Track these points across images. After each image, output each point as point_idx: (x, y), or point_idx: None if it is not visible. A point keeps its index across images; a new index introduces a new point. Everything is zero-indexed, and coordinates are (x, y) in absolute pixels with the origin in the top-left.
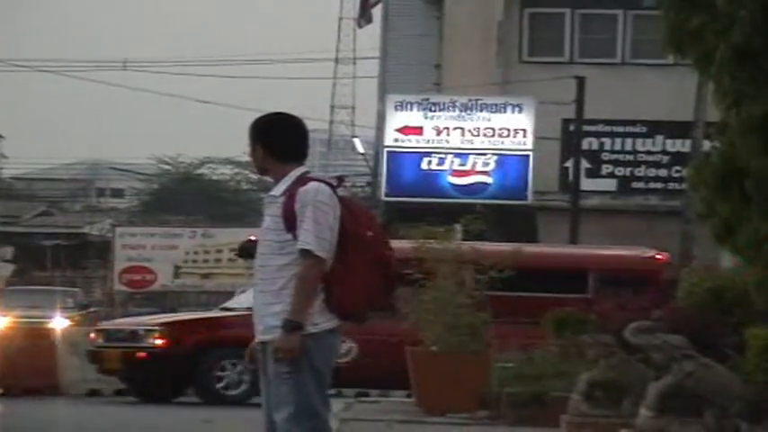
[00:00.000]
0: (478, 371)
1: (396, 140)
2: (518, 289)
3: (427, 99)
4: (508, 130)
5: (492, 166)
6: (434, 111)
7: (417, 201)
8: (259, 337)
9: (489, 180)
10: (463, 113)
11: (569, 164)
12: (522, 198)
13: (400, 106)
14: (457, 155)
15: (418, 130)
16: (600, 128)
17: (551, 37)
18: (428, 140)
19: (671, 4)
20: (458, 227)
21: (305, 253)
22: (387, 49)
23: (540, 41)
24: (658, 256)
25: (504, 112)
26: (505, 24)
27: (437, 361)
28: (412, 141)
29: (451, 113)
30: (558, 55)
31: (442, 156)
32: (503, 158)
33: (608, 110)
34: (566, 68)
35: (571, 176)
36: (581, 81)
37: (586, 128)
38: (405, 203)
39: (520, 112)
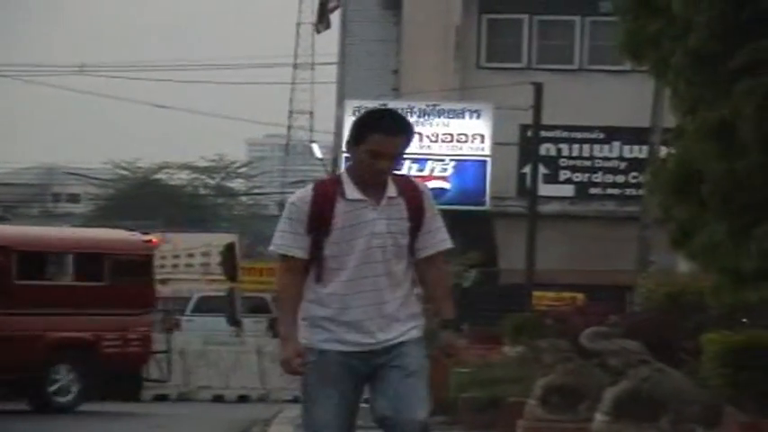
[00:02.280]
0: (435, 376)
1: None
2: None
3: (385, 104)
4: (466, 135)
5: (450, 171)
6: None
7: None
8: (390, 342)
9: (447, 185)
10: (421, 119)
11: (527, 169)
12: (479, 203)
13: (358, 111)
14: (415, 160)
15: None
16: (557, 134)
17: (509, 43)
18: None
19: (628, 11)
20: None
21: (442, 251)
22: (345, 55)
23: (498, 47)
24: (150, 239)
25: (462, 117)
26: (463, 30)
27: None
28: None
29: (409, 119)
30: (516, 61)
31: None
32: (461, 164)
33: (566, 116)
34: (523, 74)
35: (529, 182)
36: (539, 87)
37: (544, 134)
38: None
39: (478, 117)
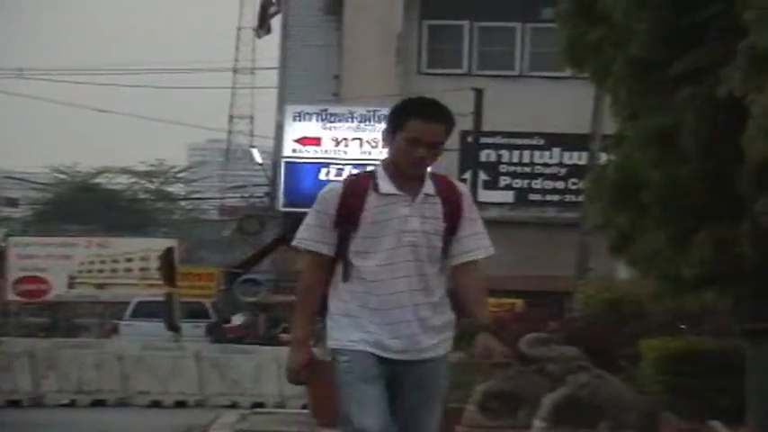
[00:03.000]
0: None
1: (294, 151)
2: None
3: (326, 110)
4: None
5: None
6: (333, 121)
7: None
8: (420, 356)
9: None
10: (362, 124)
11: (467, 175)
12: None
13: (299, 117)
14: (355, 166)
15: (317, 141)
16: (498, 140)
17: (450, 49)
18: (326, 151)
19: (568, 18)
20: None
21: (479, 260)
22: (286, 60)
23: (438, 53)
24: None
25: None
26: (404, 36)
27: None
28: (310, 152)
29: (350, 124)
30: (457, 67)
31: (341, 167)
32: None
33: (506, 122)
34: (464, 80)
35: (469, 188)
36: (479, 93)
37: (484, 140)
38: (303, 214)
39: None
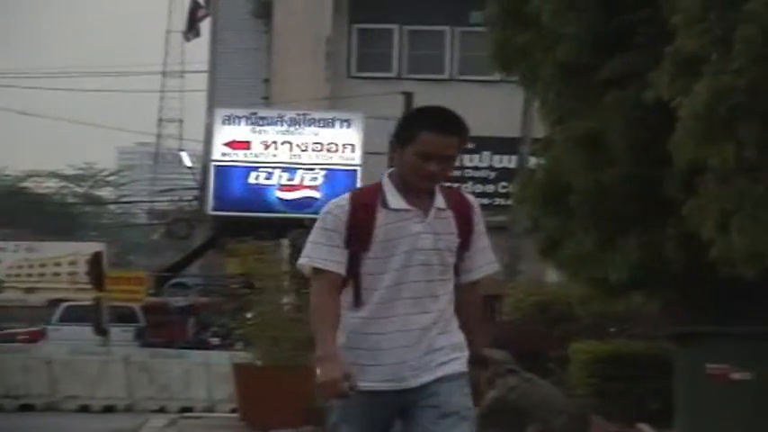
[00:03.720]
0: (304, 385)
1: (223, 154)
2: None
3: (255, 113)
4: (336, 144)
5: (320, 180)
6: (262, 125)
7: (245, 215)
8: (431, 376)
9: (317, 195)
10: (291, 128)
11: None
12: None
13: (228, 120)
14: (285, 169)
15: (246, 145)
16: None
17: (379, 52)
18: (256, 155)
19: (497, 21)
20: (285, 241)
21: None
22: (215, 63)
23: (368, 57)
24: None
25: (333, 126)
26: (334, 39)
27: (262, 375)
28: (240, 155)
29: (280, 128)
30: (387, 70)
31: (270, 170)
32: (331, 173)
33: None
34: (394, 84)
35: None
36: (409, 96)
37: None
38: (232, 218)
39: (348, 126)
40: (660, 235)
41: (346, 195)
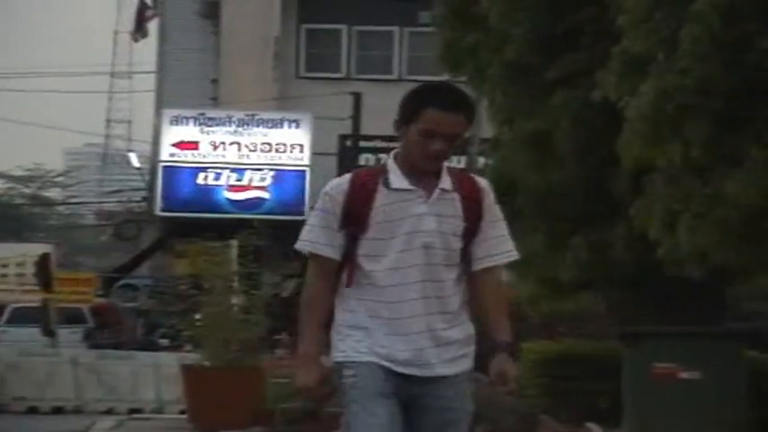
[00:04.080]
0: (252, 386)
1: (172, 155)
2: None
3: (203, 114)
4: (285, 145)
5: (269, 181)
6: (211, 126)
7: (193, 216)
8: (434, 372)
9: (266, 195)
10: (240, 128)
11: None
12: (299, 213)
13: (176, 121)
14: (233, 170)
15: (194, 145)
16: (376, 144)
17: (328, 53)
18: (204, 155)
19: (445, 22)
20: (234, 242)
21: (502, 264)
22: (163, 64)
23: (317, 57)
24: None
25: (281, 127)
26: (282, 40)
27: (210, 376)
28: (188, 156)
29: (228, 128)
30: (335, 71)
31: (219, 171)
32: (280, 174)
33: (385, 126)
34: (343, 84)
35: None
36: (357, 97)
37: (363, 144)
38: (181, 219)
39: (297, 127)
40: (608, 235)
41: (348, 175)
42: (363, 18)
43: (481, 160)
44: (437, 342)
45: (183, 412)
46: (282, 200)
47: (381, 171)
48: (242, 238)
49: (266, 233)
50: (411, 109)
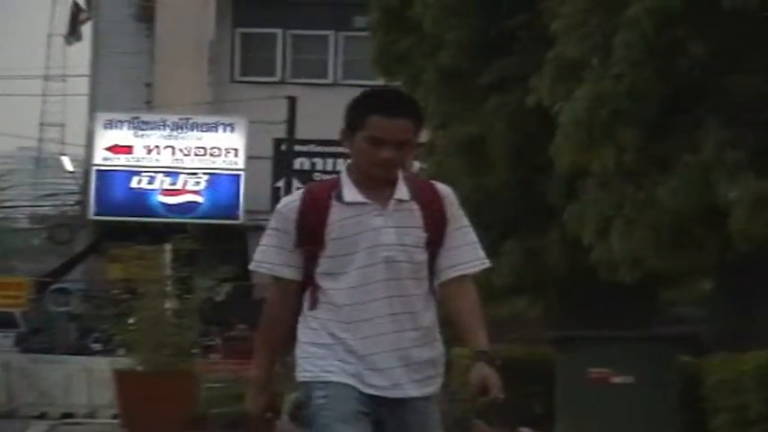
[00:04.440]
0: (186, 391)
1: (105, 159)
2: None
3: (137, 117)
4: (219, 149)
5: (203, 185)
6: (145, 129)
7: (127, 220)
8: (403, 393)
9: (200, 199)
10: (174, 132)
11: (281, 183)
12: (233, 217)
13: (110, 124)
14: (167, 174)
15: (128, 149)
16: (311, 148)
17: (263, 57)
18: (138, 159)
19: (380, 27)
20: (167, 246)
21: (471, 274)
22: (97, 67)
23: (252, 61)
24: None
25: (216, 131)
26: (217, 44)
27: (143, 381)
28: (122, 160)
29: (162, 132)
30: (270, 75)
31: (153, 175)
32: (214, 178)
33: (320, 130)
34: (278, 88)
35: (282, 196)
36: (292, 101)
37: (298, 148)
38: (114, 222)
39: (231, 131)
40: (542, 240)
41: (299, 191)
42: (298, 22)
43: (416, 165)
44: (406, 361)
45: (115, 417)
46: (216, 204)
47: (334, 185)
48: (175, 242)
49: (200, 237)
50: (356, 117)
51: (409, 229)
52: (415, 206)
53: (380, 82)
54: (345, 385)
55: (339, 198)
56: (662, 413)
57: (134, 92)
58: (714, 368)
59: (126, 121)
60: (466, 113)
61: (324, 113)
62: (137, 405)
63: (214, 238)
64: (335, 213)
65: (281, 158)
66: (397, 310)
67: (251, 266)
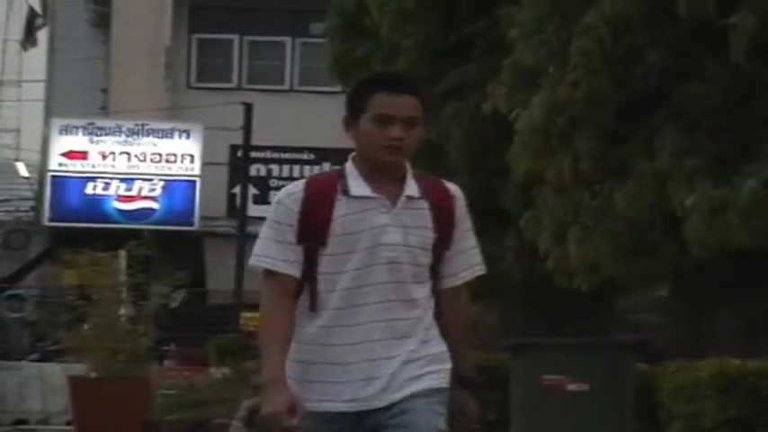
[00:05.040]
0: (139, 398)
1: (60, 165)
2: None
3: (93, 123)
4: (175, 155)
5: (158, 191)
6: (100, 135)
7: (82, 226)
8: (399, 394)
9: (156, 205)
10: (130, 138)
11: (237, 190)
12: (188, 224)
13: (65, 130)
14: (123, 180)
15: (83, 155)
16: (268, 154)
17: (219, 63)
18: (93, 165)
19: (337, 33)
20: (122, 253)
21: (466, 282)
22: (52, 73)
23: (208, 67)
24: None
25: (172, 137)
26: (173, 49)
27: (97, 387)
28: (77, 166)
29: (118, 138)
30: (227, 81)
31: (108, 181)
32: (170, 184)
33: (276, 136)
34: (234, 94)
35: (238, 202)
36: (249, 107)
37: (254, 154)
38: (69, 228)
39: (187, 137)
40: (499, 246)
41: (301, 182)
42: (255, 28)
43: None
44: (398, 367)
45: (69, 423)
46: (172, 210)
47: (339, 176)
48: (130, 248)
49: (155, 243)
50: (359, 99)
51: (417, 230)
52: (425, 204)
53: (337, 88)
54: (320, 417)
55: (345, 191)
56: (617, 420)
57: (90, 97)
58: (670, 375)
59: (81, 126)
60: (424, 119)
61: (280, 120)
62: (90, 411)
63: (169, 244)
64: (341, 208)
65: (238, 165)
66: (393, 316)
67: (250, 261)
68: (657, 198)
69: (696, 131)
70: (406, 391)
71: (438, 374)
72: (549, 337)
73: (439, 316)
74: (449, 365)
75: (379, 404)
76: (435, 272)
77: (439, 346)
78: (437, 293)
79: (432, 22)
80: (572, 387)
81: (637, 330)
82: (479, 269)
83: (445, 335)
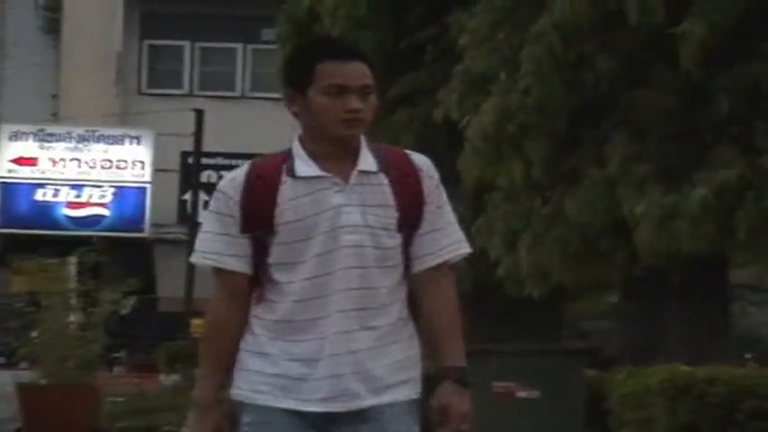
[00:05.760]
0: (89, 405)
1: (10, 171)
2: None
3: (43, 129)
4: (126, 161)
5: (109, 198)
6: (50, 141)
7: (32, 233)
8: (364, 403)
9: (106, 212)
10: (80, 144)
11: (188, 196)
12: (139, 230)
13: (15, 136)
14: (73, 186)
15: (33, 161)
16: (219, 161)
17: (171, 69)
18: (43, 171)
19: (288, 39)
20: (72, 259)
21: (450, 263)
22: (2, 79)
23: (159, 73)
24: None
25: (122, 143)
26: (124, 55)
27: (46, 394)
28: (27, 172)
29: (68, 144)
30: (178, 87)
31: (58, 187)
32: (120, 190)
33: (227, 143)
34: (185, 101)
35: (189, 209)
36: (200, 114)
37: (205, 161)
38: (19, 235)
39: (138, 143)
40: None
41: (245, 166)
42: (206, 34)
43: None
44: (364, 366)
45: (18, 430)
46: (123, 217)
47: (284, 158)
48: (80, 254)
49: (105, 250)
50: (301, 70)
51: (376, 208)
52: (384, 179)
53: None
54: (278, 410)
55: (291, 173)
56: (567, 427)
57: (40, 103)
58: (619, 382)
59: (31, 132)
60: (374, 126)
61: (231, 126)
62: (40, 418)
63: (119, 250)
64: (287, 191)
65: (189, 171)
66: (356, 305)
67: (192, 259)
68: (608, 205)
69: (646, 138)
70: (383, 399)
71: (411, 384)
72: (498, 345)
73: (415, 306)
74: (419, 370)
75: (341, 409)
76: (407, 255)
77: (411, 348)
78: (413, 280)
79: (383, 28)
80: (521, 394)
81: (587, 337)
82: (461, 247)
83: (426, 326)
